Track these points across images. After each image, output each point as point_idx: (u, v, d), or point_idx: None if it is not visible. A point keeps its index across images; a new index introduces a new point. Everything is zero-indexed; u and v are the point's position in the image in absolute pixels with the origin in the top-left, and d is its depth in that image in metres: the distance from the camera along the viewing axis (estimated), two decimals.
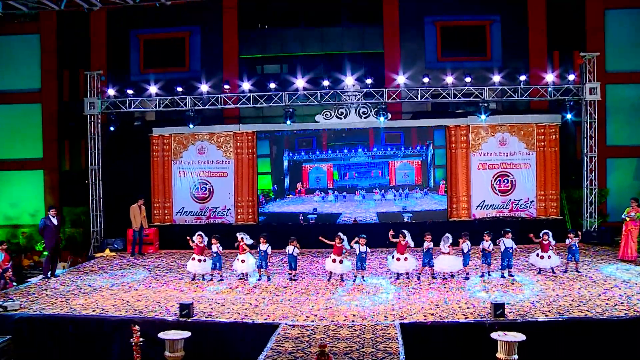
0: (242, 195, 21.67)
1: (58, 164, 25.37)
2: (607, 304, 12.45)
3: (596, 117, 20.60)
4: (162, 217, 21.96)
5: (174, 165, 22.07)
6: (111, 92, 20.93)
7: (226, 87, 20.71)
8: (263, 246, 15.52)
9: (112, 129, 21.18)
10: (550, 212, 21.18)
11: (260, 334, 11.40)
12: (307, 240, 18.36)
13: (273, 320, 11.89)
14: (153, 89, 20.65)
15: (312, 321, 11.74)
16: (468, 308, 12.50)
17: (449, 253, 15.33)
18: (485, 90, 20.41)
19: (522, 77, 20.38)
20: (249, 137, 21.68)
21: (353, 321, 11.71)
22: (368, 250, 15.43)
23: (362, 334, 10.87)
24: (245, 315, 12.24)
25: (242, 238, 15.67)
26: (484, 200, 21.47)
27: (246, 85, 20.42)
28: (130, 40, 24.36)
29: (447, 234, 15.56)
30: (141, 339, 10.82)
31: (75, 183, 23.80)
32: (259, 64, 24.38)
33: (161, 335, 10.83)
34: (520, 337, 10.26)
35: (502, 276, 15.49)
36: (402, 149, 21.66)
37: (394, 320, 11.70)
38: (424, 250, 15.51)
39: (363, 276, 15.43)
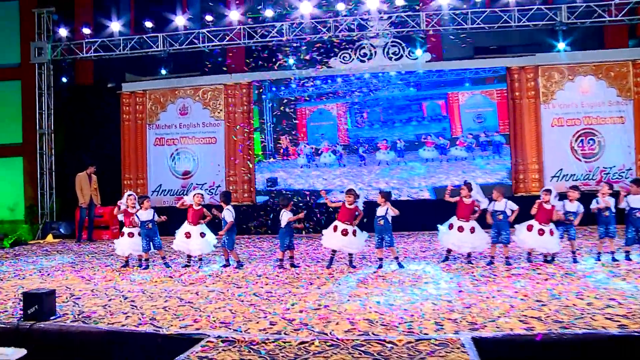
0: (236, 168, 15.17)
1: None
2: None
3: None
4: None
5: (150, 131, 15.78)
6: (63, 32, 14.80)
7: (208, 18, 14.29)
8: (228, 214, 8.97)
9: (64, 79, 15.04)
10: None
11: (163, 352, 4.85)
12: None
13: (198, 329, 5.27)
14: (116, 26, 14.45)
15: (279, 332, 5.11)
16: (609, 308, 5.65)
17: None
18: (563, 11, 13.51)
19: None
20: (243, 91, 15.23)
21: (367, 333, 5.04)
22: (391, 213, 8.68)
23: (387, 357, 4.20)
24: (152, 319, 5.67)
25: (197, 195, 9.20)
26: (562, 169, 14.39)
27: (234, 15, 14.00)
28: None
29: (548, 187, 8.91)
30: None
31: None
32: None
33: None
34: None
35: (627, 258, 8.56)
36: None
37: (457, 332, 4.97)
38: (495, 216, 8.72)
39: (397, 258, 8.69)
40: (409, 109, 14.64)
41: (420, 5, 14.54)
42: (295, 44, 14.13)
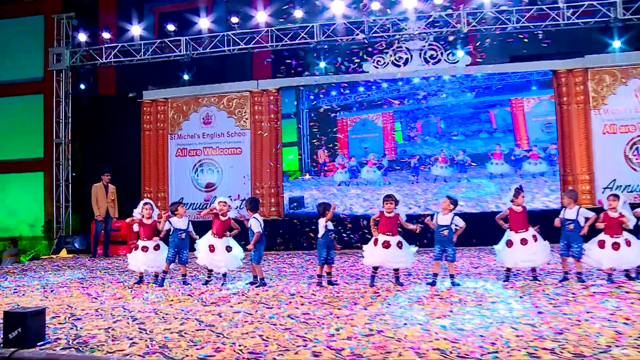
0: (262, 179, 14.00)
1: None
2: None
3: None
4: None
5: (171, 141, 14.72)
6: (82, 37, 13.90)
7: (233, 20, 13.25)
8: (255, 224, 7.75)
9: (82, 86, 14.10)
10: None
11: None
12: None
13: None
14: (137, 30, 13.52)
15: None
16: None
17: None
18: (618, 5, 12.21)
19: None
20: (271, 98, 14.13)
21: None
22: (458, 225, 7.41)
23: None
24: (163, 347, 4.43)
25: (222, 203, 8.02)
26: (615, 180, 12.91)
27: (261, 17, 12.96)
28: None
29: (615, 193, 7.54)
30: None
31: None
32: None
33: None
34: None
35: None
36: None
37: None
38: (564, 225, 7.37)
39: (453, 275, 7.37)
40: (473, 118, 13.18)
41: (458, 5, 13.33)
42: (326, 47, 12.99)
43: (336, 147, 13.57)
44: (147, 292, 7.32)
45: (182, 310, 6.02)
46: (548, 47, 13.49)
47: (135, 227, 8.25)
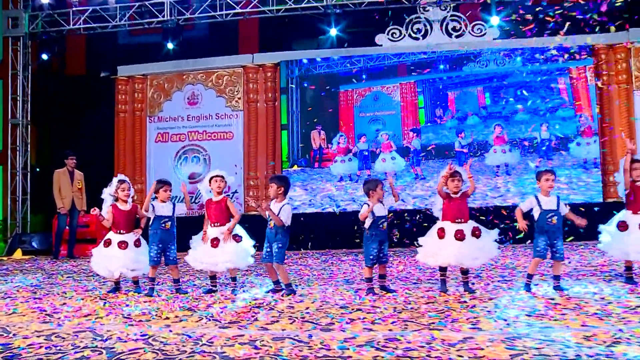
0: (257, 169, 11.67)
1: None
2: None
3: None
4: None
5: (151, 124, 12.23)
6: None
7: None
8: (286, 212, 5.46)
9: (44, 57, 11.54)
10: None
11: None
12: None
13: None
14: None
15: None
16: None
17: None
18: None
19: None
20: (268, 74, 11.81)
21: None
22: (564, 209, 5.26)
23: None
24: None
25: (216, 179, 5.77)
26: None
27: None
28: None
29: None
30: None
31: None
32: None
33: None
34: None
35: None
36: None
37: None
38: None
39: (558, 278, 5.16)
40: (529, 89, 10.55)
41: None
42: (338, 12, 10.80)
43: (337, 130, 11.16)
44: (127, 305, 4.94)
45: (187, 334, 3.68)
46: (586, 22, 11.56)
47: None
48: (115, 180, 5.91)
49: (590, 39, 10.93)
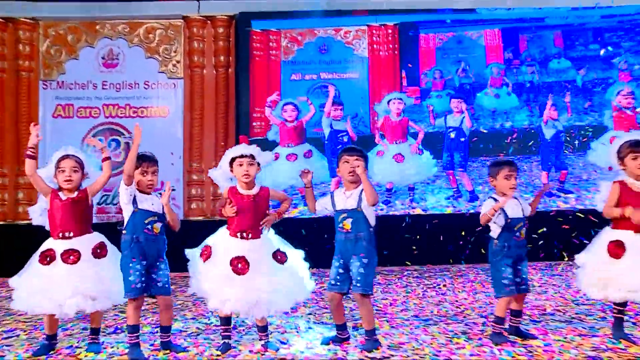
0: (202, 158, 8.46)
1: None
2: None
3: None
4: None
5: (46, 92, 8.42)
6: None
7: None
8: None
9: None
10: None
11: None
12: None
13: None
14: None
15: None
16: None
17: None
18: None
19: None
20: (220, 31, 8.63)
21: None
22: None
23: None
24: None
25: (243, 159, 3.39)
26: None
27: None
28: None
29: None
30: None
31: None
32: None
33: None
34: None
35: None
36: None
37: None
38: None
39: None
40: None
41: None
42: None
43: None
44: None
45: None
46: None
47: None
48: (55, 156, 3.91)
49: None
